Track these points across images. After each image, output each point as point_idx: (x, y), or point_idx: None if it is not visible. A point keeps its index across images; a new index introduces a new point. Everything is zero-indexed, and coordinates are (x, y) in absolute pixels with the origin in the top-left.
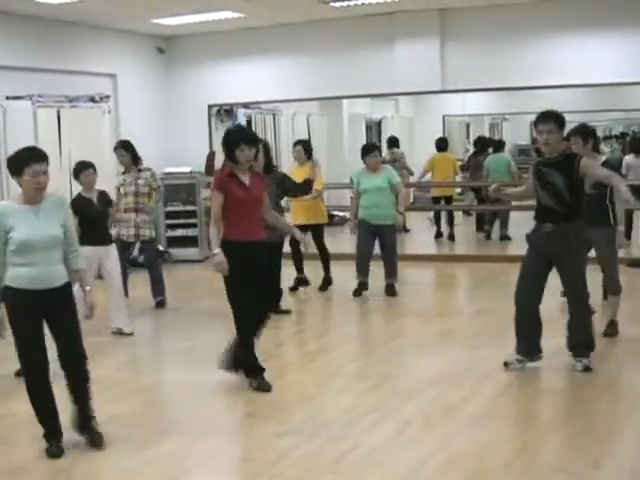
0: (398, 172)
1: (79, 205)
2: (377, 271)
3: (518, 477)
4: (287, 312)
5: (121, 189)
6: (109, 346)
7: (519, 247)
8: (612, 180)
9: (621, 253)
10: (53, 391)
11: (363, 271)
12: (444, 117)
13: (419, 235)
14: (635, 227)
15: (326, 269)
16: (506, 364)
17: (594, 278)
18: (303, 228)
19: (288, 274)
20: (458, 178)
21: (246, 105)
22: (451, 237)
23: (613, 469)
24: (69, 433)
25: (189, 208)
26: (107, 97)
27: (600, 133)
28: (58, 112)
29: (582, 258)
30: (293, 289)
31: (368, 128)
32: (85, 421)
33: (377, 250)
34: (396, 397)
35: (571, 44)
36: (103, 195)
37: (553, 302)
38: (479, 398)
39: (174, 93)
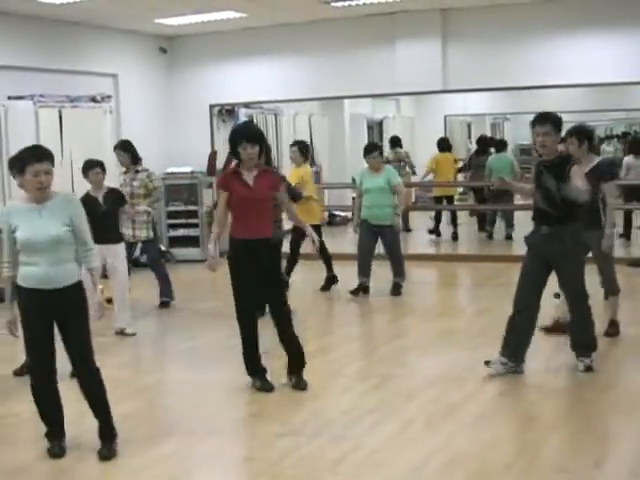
0: (402, 172)
1: (85, 203)
2: (379, 271)
3: (519, 477)
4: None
5: (122, 189)
6: (112, 346)
7: (521, 247)
8: (577, 197)
9: (620, 253)
10: (58, 391)
11: (364, 271)
12: (445, 117)
13: (421, 235)
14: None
15: (329, 268)
16: (487, 362)
17: (593, 279)
18: (293, 229)
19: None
20: (460, 178)
21: (248, 105)
22: (454, 236)
23: (614, 469)
24: (71, 433)
25: (191, 208)
26: (109, 97)
27: (601, 133)
28: (60, 112)
29: (580, 260)
30: None
31: (369, 128)
32: (103, 437)
33: (380, 250)
34: (398, 397)
35: (572, 44)
36: (111, 193)
37: (551, 303)
38: (481, 398)
39: (176, 93)
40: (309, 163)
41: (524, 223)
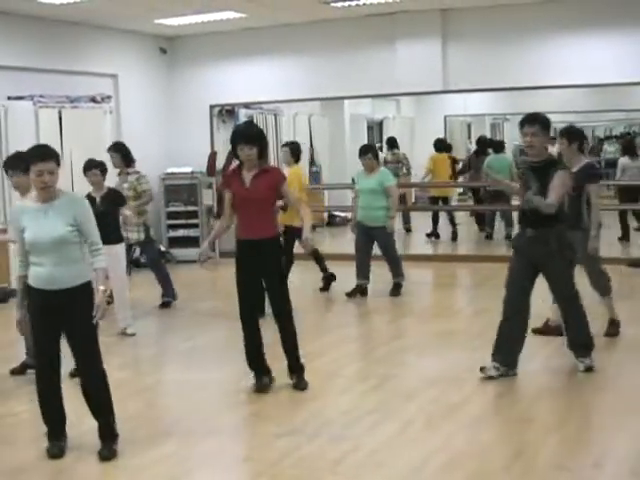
0: (400, 173)
1: None
2: (378, 272)
3: (519, 477)
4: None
5: None
6: (112, 346)
7: None
8: (542, 210)
9: (618, 253)
10: (61, 392)
11: (362, 273)
12: (445, 117)
13: (421, 235)
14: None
15: (323, 269)
16: (482, 369)
17: (584, 276)
18: (285, 230)
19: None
20: (460, 179)
21: (248, 105)
22: (454, 236)
23: (613, 468)
24: (72, 433)
25: (190, 208)
26: (108, 97)
27: (601, 133)
28: (59, 112)
29: (567, 261)
30: None
31: (369, 128)
32: (103, 437)
33: (378, 251)
34: (397, 398)
35: (573, 44)
36: (109, 194)
37: (543, 305)
38: (480, 398)
39: (176, 93)
40: (311, 163)
41: None
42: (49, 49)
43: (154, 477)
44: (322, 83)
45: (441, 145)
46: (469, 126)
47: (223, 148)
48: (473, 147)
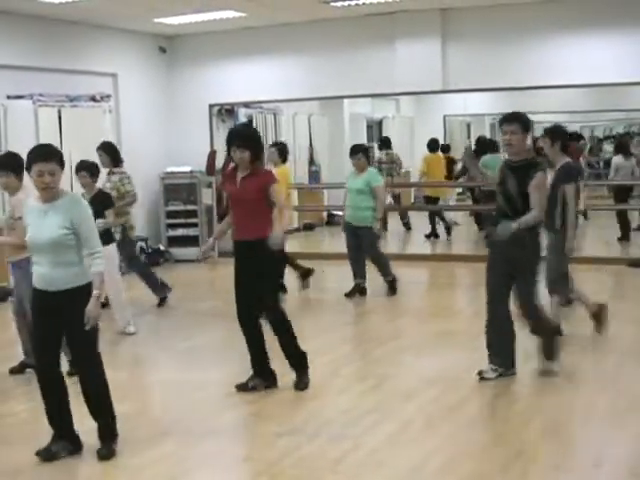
0: (394, 173)
1: None
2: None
3: (518, 477)
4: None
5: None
6: (111, 346)
7: None
8: (533, 211)
9: (617, 253)
10: (62, 393)
11: (357, 272)
12: (445, 117)
13: (419, 235)
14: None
15: (296, 267)
16: (480, 373)
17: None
18: None
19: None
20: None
21: (247, 105)
22: (448, 231)
23: (613, 468)
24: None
25: (190, 207)
26: (108, 96)
27: (600, 133)
28: (59, 111)
29: (535, 273)
30: None
31: (369, 128)
32: (102, 437)
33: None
34: (396, 397)
35: (572, 44)
36: (98, 195)
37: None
38: (479, 398)
39: (175, 92)
40: (311, 162)
41: None
42: (49, 48)
43: (153, 477)
44: (322, 82)
45: (434, 145)
46: (469, 126)
47: (222, 147)
48: (473, 147)
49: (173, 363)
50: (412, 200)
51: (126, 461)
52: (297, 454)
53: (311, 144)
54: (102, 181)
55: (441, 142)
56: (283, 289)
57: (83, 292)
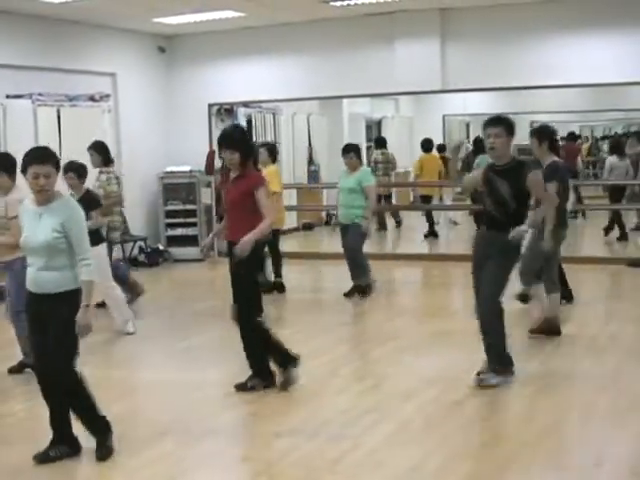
0: (390, 172)
1: None
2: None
3: (518, 477)
4: None
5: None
6: (110, 345)
7: None
8: (544, 204)
9: (616, 253)
10: (59, 395)
11: (354, 273)
12: (444, 117)
13: (418, 235)
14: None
15: (277, 274)
16: (479, 374)
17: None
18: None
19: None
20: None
21: (246, 104)
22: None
23: (613, 468)
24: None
25: (189, 207)
26: (107, 96)
27: (600, 133)
28: (58, 111)
29: (504, 267)
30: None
31: (368, 128)
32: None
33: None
34: (395, 397)
35: (572, 44)
36: (85, 196)
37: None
38: (478, 398)
39: (174, 92)
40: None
41: None
42: (48, 48)
43: (152, 477)
44: (321, 82)
45: (428, 145)
46: (468, 126)
47: None
48: (471, 147)
49: (172, 363)
50: (411, 199)
51: (124, 461)
52: (296, 454)
53: (310, 144)
54: (93, 180)
55: (440, 142)
56: (281, 288)
57: (67, 297)
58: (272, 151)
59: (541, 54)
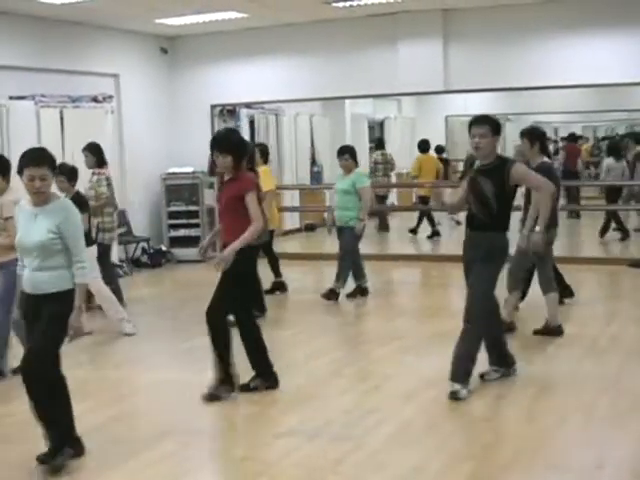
0: (389, 173)
1: None
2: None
3: (519, 477)
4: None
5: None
6: (110, 345)
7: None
8: (540, 191)
9: (617, 254)
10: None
11: (356, 274)
12: (446, 117)
13: (420, 235)
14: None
15: (276, 274)
16: (482, 376)
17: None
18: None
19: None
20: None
21: (249, 105)
22: (413, 230)
23: (614, 469)
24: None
25: (192, 208)
26: (110, 97)
27: (602, 133)
28: (61, 112)
29: (491, 271)
30: (269, 292)
31: (370, 128)
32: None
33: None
34: (397, 398)
35: (574, 44)
36: (75, 199)
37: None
38: (479, 399)
39: (177, 93)
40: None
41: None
42: (51, 49)
43: (153, 477)
44: (323, 83)
45: (425, 146)
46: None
47: None
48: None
49: (174, 363)
50: (414, 200)
51: (125, 462)
52: (297, 454)
53: (313, 145)
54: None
55: (442, 143)
56: (283, 288)
57: (68, 296)
58: (264, 151)
59: (543, 55)
